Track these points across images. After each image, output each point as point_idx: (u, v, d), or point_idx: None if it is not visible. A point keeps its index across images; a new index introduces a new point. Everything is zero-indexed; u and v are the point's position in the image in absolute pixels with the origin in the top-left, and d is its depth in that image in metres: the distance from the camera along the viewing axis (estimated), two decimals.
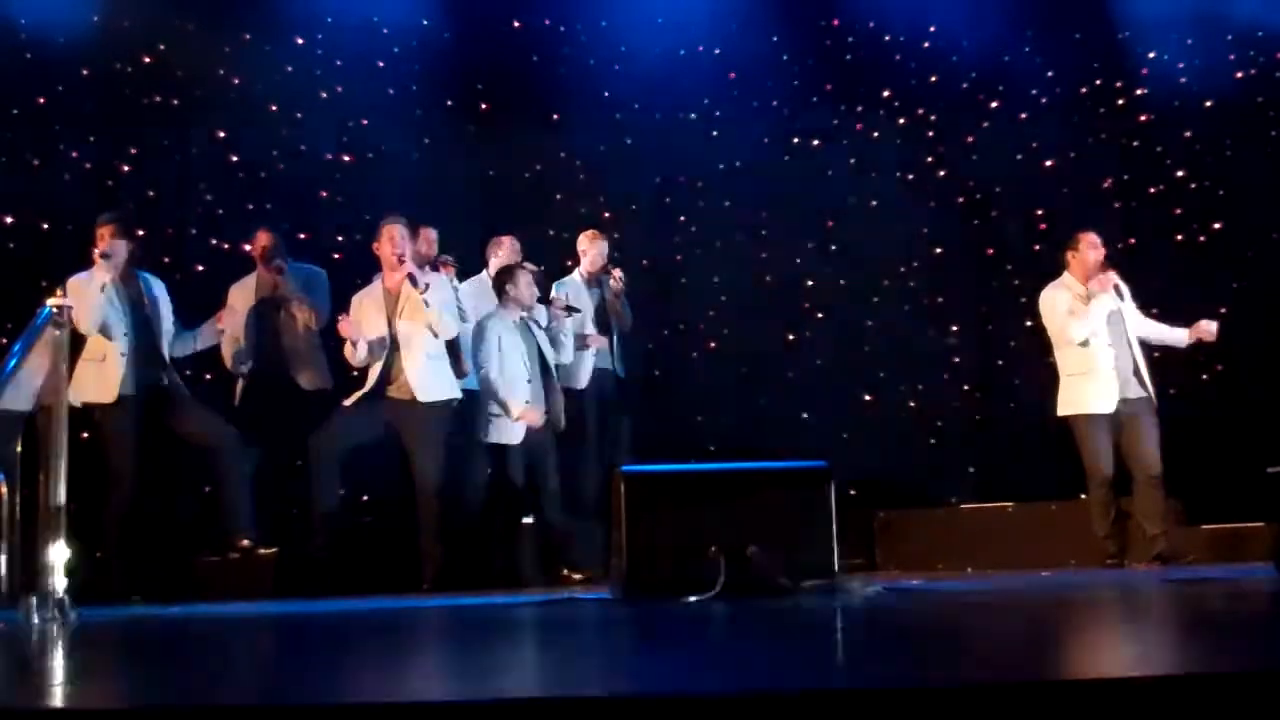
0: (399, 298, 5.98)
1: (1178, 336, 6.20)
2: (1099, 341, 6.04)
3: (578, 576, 6.15)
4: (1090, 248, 6.14)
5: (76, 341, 5.17)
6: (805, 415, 7.97)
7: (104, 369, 5.68)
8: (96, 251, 5.66)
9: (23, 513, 4.08)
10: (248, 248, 6.53)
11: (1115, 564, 5.96)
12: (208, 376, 6.67)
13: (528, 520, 6.34)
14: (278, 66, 7.60)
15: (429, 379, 5.91)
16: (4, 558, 4.06)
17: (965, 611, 3.49)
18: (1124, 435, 6.02)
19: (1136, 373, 6.06)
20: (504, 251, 6.74)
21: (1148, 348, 6.22)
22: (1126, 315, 6.14)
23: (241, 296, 6.28)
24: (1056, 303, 6.16)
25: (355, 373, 6.50)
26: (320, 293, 6.37)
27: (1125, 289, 6.17)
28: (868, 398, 8.10)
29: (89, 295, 5.55)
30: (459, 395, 6.05)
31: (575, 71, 8.02)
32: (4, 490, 4.02)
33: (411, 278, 5.89)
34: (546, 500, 6.30)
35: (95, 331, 5.64)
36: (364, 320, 5.98)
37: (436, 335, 5.93)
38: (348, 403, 5.99)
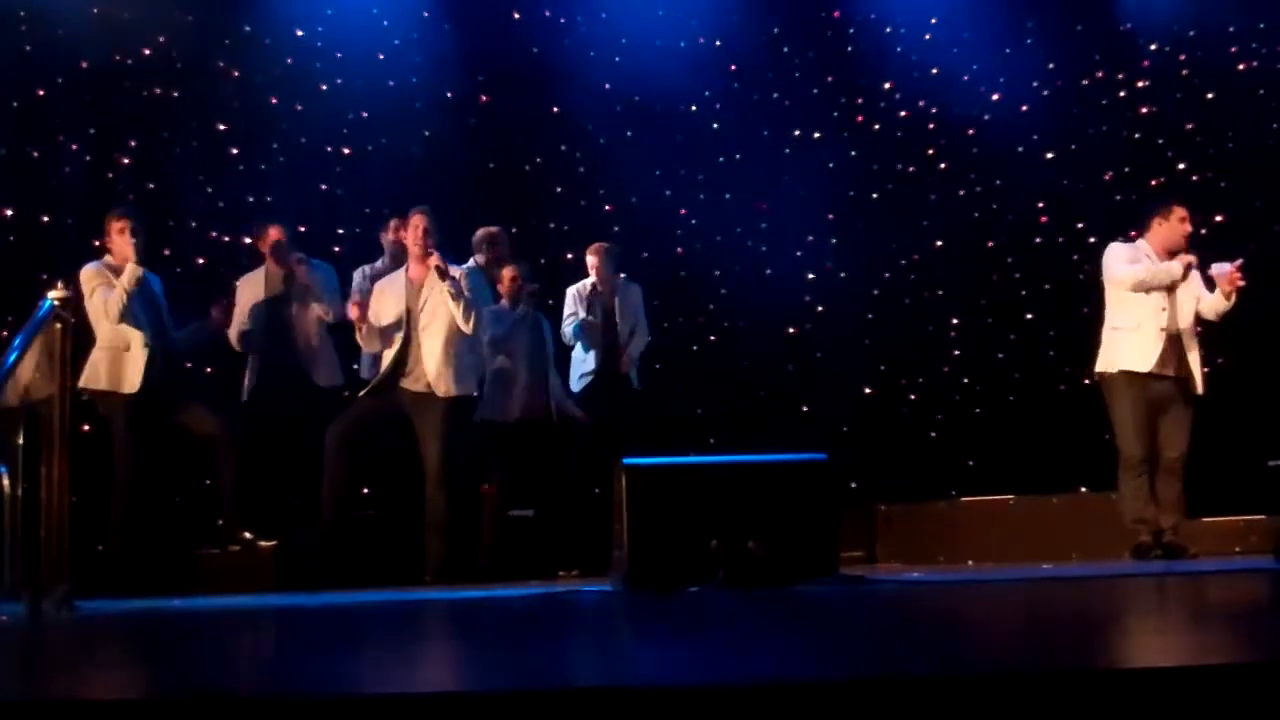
0: (421, 288, 5.96)
1: (1217, 301, 5.79)
2: (1152, 302, 5.76)
3: (574, 573, 6.16)
4: (1179, 220, 5.83)
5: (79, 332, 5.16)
6: (805, 408, 7.96)
7: (129, 359, 5.69)
8: (130, 242, 5.68)
9: (24, 505, 4.07)
10: (249, 241, 6.54)
11: (1153, 556, 5.59)
12: (209, 370, 6.67)
13: (524, 513, 6.36)
14: (278, 59, 7.59)
15: (448, 373, 5.88)
16: (6, 550, 4.06)
17: (966, 604, 3.49)
18: (1160, 417, 5.77)
19: (1183, 351, 5.77)
20: (486, 244, 6.72)
21: (1201, 327, 5.91)
22: (1189, 298, 5.81)
23: (250, 291, 6.27)
24: (1120, 251, 5.89)
25: (355, 365, 6.52)
26: (332, 288, 6.39)
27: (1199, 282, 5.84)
28: (868, 390, 8.10)
29: (121, 285, 5.62)
30: (475, 391, 6.04)
31: (575, 63, 8.01)
32: (6, 482, 4.02)
33: (440, 270, 5.85)
34: (544, 493, 6.32)
35: (121, 321, 5.65)
36: (382, 308, 5.96)
37: (463, 329, 5.90)
38: (363, 394, 6.00)
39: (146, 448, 5.76)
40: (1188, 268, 5.75)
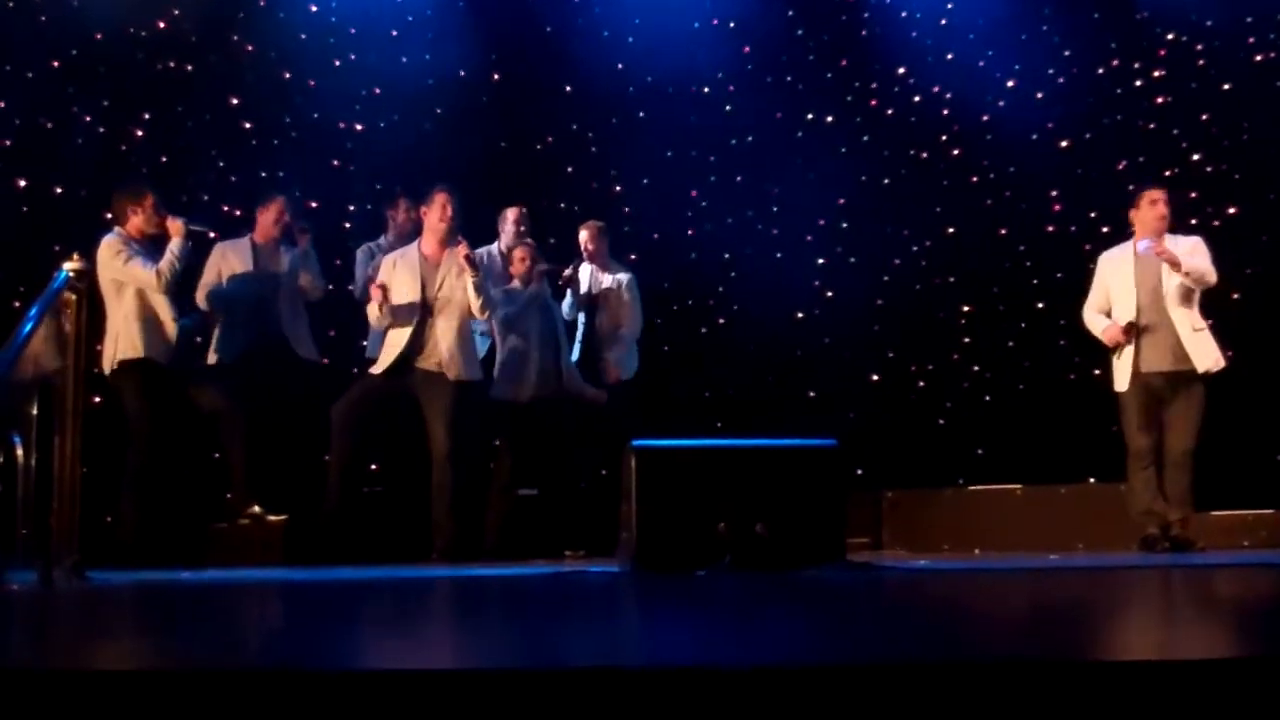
0: (438, 267, 5.95)
1: (1183, 276, 5.74)
2: (1122, 316, 5.85)
3: (581, 553, 6.18)
4: (1149, 204, 5.83)
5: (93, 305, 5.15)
6: (813, 393, 7.96)
7: (164, 330, 5.71)
8: (168, 216, 5.74)
9: (37, 476, 4.10)
10: (255, 210, 6.53)
11: (1160, 549, 5.62)
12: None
13: (529, 491, 6.38)
14: (291, 34, 7.58)
15: (460, 357, 5.89)
16: (19, 520, 4.09)
17: (971, 592, 3.50)
18: (1164, 410, 5.80)
19: (1179, 346, 5.74)
20: (509, 224, 6.73)
21: (1204, 316, 5.87)
22: (1170, 287, 5.77)
23: (235, 258, 6.19)
24: (1099, 271, 6.05)
25: (365, 343, 6.53)
26: (318, 266, 6.37)
27: (1193, 255, 5.75)
28: (876, 377, 8.09)
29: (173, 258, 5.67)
30: (481, 375, 6.06)
31: (589, 43, 7.99)
32: (19, 453, 4.04)
33: (469, 259, 5.83)
34: (553, 473, 6.34)
35: (166, 290, 5.69)
36: (394, 283, 5.93)
37: (478, 316, 5.91)
38: (374, 370, 5.98)
39: (162, 419, 5.76)
40: (1112, 340, 5.86)
